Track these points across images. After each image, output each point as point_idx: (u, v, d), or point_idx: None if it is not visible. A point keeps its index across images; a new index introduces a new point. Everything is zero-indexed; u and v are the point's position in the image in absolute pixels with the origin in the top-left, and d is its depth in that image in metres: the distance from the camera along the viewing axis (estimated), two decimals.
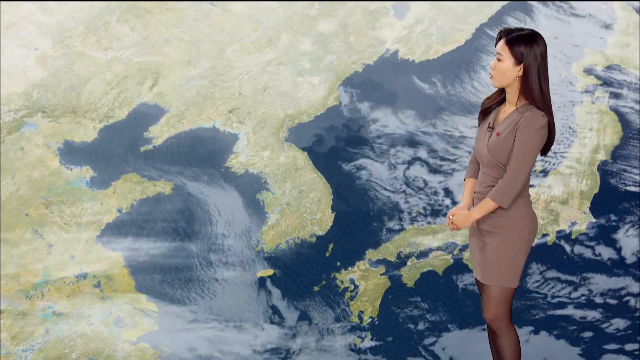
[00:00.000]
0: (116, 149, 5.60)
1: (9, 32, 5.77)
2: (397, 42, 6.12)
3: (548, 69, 3.74)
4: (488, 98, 3.92)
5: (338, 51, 6.04)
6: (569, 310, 5.29)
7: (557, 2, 6.41)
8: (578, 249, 5.57)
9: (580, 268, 5.49)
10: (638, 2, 6.44)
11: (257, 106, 5.83)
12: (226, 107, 5.81)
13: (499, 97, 3.86)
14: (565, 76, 6.18)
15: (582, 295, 5.37)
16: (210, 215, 5.50)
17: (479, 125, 3.91)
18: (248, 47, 5.99)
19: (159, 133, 5.69)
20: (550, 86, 6.14)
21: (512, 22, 6.28)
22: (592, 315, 5.25)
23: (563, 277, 5.44)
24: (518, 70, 3.69)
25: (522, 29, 3.72)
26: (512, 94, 3.77)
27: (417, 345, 5.06)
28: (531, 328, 5.16)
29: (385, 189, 5.67)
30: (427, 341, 5.10)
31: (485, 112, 3.90)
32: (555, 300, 5.34)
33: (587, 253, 5.56)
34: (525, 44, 3.67)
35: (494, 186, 3.80)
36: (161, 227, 5.42)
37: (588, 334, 5.11)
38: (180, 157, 5.64)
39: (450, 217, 3.82)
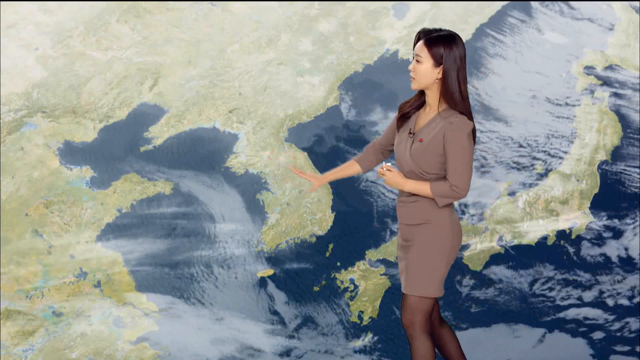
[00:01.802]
0: (116, 149, 5.60)
1: (9, 32, 5.77)
2: (397, 42, 6.12)
3: (466, 71, 3.63)
4: (407, 102, 3.79)
5: (338, 51, 6.03)
6: (576, 311, 5.29)
7: (557, 2, 6.41)
8: (577, 249, 5.57)
9: (580, 268, 5.50)
10: (638, 2, 6.43)
11: (257, 106, 5.83)
12: (226, 107, 5.81)
13: (419, 101, 3.73)
14: (565, 76, 6.18)
15: (584, 296, 5.37)
16: (210, 215, 5.50)
17: (398, 130, 3.78)
18: (248, 47, 5.99)
19: (159, 133, 5.69)
20: (551, 87, 6.15)
21: (513, 22, 6.28)
22: (597, 315, 5.25)
23: (562, 277, 5.44)
24: (437, 73, 3.58)
25: (440, 30, 3.62)
26: (433, 98, 3.65)
27: None
28: (542, 330, 5.16)
29: (386, 189, 5.67)
30: None
31: (404, 116, 3.76)
32: (559, 302, 5.34)
33: (587, 253, 5.56)
34: (445, 46, 3.56)
35: (416, 195, 3.70)
36: (161, 226, 5.42)
37: (598, 335, 5.11)
38: (180, 157, 5.64)
39: (384, 167, 3.70)
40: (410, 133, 3.69)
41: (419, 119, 3.72)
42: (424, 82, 3.62)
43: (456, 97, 3.58)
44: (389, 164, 3.77)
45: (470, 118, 3.61)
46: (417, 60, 3.60)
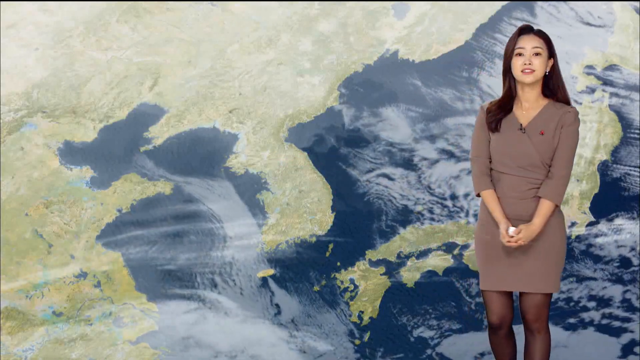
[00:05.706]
0: (116, 149, 5.60)
1: (9, 32, 5.77)
2: (397, 42, 6.12)
3: None
4: (493, 104, 3.77)
5: (338, 51, 6.03)
6: (576, 312, 5.29)
7: (557, 2, 6.41)
8: (577, 249, 5.57)
9: (579, 269, 5.50)
10: (638, 2, 6.44)
11: (257, 106, 5.83)
12: (226, 107, 5.81)
13: (508, 104, 3.73)
14: (565, 76, 6.17)
15: (584, 296, 5.37)
16: (209, 215, 5.50)
17: (493, 131, 3.73)
18: (248, 47, 5.99)
19: (159, 133, 5.69)
20: None
21: (512, 22, 6.28)
22: (600, 315, 5.25)
23: (561, 277, 5.44)
24: (549, 65, 3.69)
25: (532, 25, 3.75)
26: (532, 93, 3.69)
27: (417, 346, 5.07)
28: (566, 332, 5.15)
29: (386, 189, 5.67)
30: (427, 341, 5.11)
31: (495, 116, 3.73)
32: (559, 302, 5.35)
33: (587, 254, 5.56)
34: (550, 39, 3.72)
35: (536, 188, 3.67)
36: (161, 227, 5.42)
37: (624, 337, 5.11)
38: (180, 157, 5.64)
39: (514, 235, 3.59)
40: (521, 129, 3.69)
41: (520, 115, 3.72)
42: (539, 75, 3.68)
43: (564, 87, 3.71)
44: (511, 229, 3.63)
45: None
46: (537, 53, 3.65)
